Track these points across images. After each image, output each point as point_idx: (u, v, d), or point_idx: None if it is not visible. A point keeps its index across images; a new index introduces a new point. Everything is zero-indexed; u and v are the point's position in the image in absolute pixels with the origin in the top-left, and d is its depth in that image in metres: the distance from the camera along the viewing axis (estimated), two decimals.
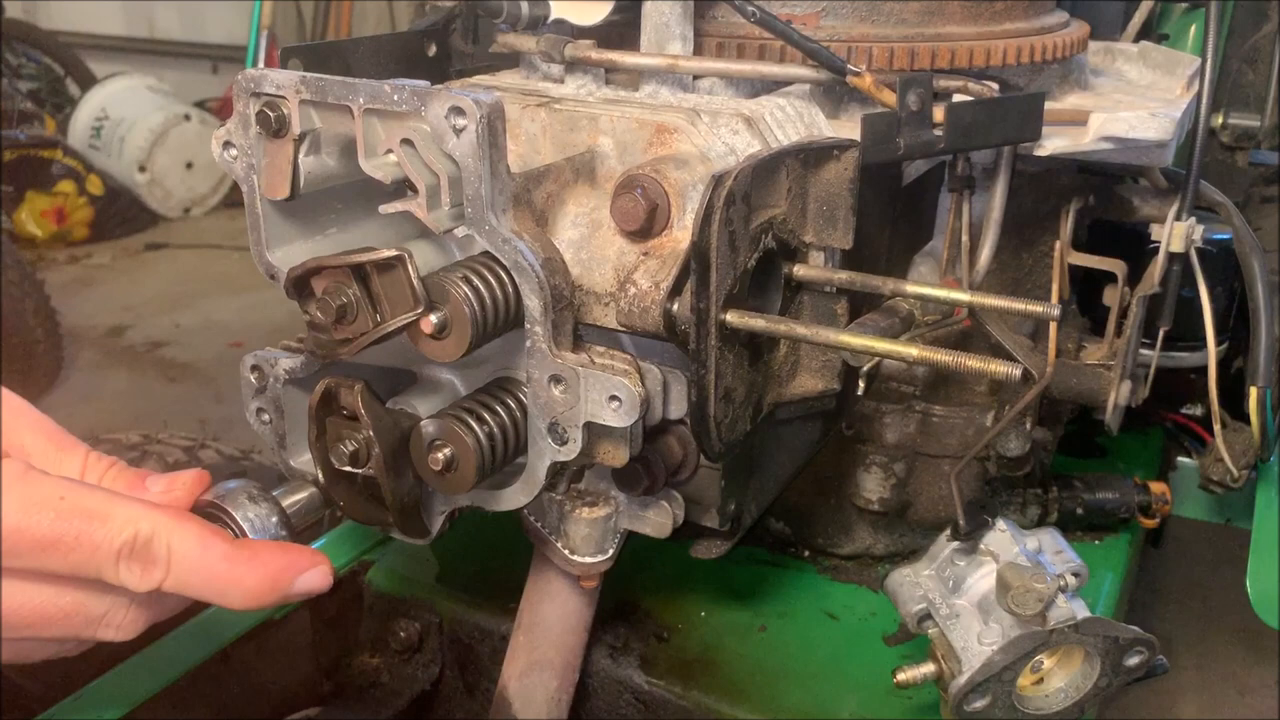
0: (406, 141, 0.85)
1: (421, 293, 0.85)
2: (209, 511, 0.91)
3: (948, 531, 1.22)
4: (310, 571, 0.89)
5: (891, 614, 1.27)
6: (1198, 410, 2.00)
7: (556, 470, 0.98)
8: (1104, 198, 1.42)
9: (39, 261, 5.30)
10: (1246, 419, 1.43)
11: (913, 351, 0.89)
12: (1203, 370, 1.48)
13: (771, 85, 1.16)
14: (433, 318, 0.86)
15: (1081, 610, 1.14)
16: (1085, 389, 1.38)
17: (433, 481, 0.95)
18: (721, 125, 1.02)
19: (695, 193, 0.96)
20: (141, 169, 6.13)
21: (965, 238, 1.26)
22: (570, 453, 0.93)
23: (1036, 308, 0.95)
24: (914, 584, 1.23)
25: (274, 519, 0.93)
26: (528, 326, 0.90)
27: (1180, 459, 2.01)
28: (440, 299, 0.86)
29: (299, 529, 0.96)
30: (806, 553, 1.60)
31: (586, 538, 1.12)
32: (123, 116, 6.21)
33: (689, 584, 1.50)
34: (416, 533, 1.01)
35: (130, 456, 2.28)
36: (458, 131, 0.83)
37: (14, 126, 5.97)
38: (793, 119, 1.08)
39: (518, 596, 1.30)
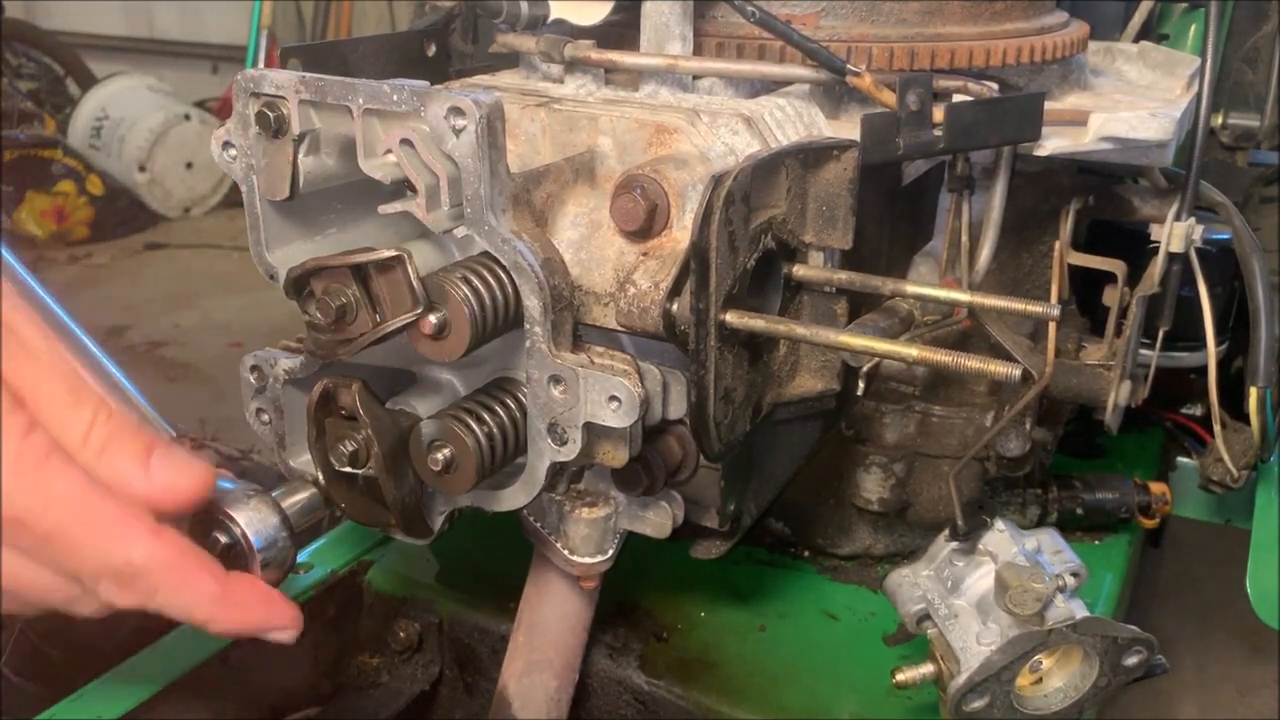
0: (406, 142, 0.85)
1: (421, 293, 0.85)
2: (212, 516, 0.91)
3: (946, 532, 1.22)
4: (281, 633, 0.94)
5: (891, 614, 1.27)
6: (1197, 410, 2.00)
7: (556, 471, 0.98)
8: (1103, 198, 1.42)
9: (39, 261, 5.29)
10: (1246, 419, 1.43)
11: (912, 352, 0.89)
12: (1202, 370, 1.47)
13: (771, 85, 1.16)
14: (432, 318, 0.86)
15: (1080, 610, 1.14)
16: (1085, 389, 1.38)
17: (432, 482, 0.95)
18: (721, 125, 1.02)
19: (695, 193, 0.96)
20: (141, 169, 6.11)
21: (965, 238, 1.26)
22: (570, 453, 0.93)
23: (1036, 308, 0.95)
24: (913, 584, 1.23)
25: (275, 520, 0.93)
26: (527, 327, 0.90)
27: (1180, 459, 2.01)
28: (439, 299, 0.86)
29: (299, 530, 0.96)
30: (806, 553, 1.59)
31: (586, 538, 1.12)
32: (123, 116, 6.20)
33: (688, 584, 1.50)
34: (419, 533, 1.01)
35: None
36: (457, 132, 0.83)
37: (14, 126, 5.95)
38: (792, 119, 1.08)
39: (517, 596, 1.30)
